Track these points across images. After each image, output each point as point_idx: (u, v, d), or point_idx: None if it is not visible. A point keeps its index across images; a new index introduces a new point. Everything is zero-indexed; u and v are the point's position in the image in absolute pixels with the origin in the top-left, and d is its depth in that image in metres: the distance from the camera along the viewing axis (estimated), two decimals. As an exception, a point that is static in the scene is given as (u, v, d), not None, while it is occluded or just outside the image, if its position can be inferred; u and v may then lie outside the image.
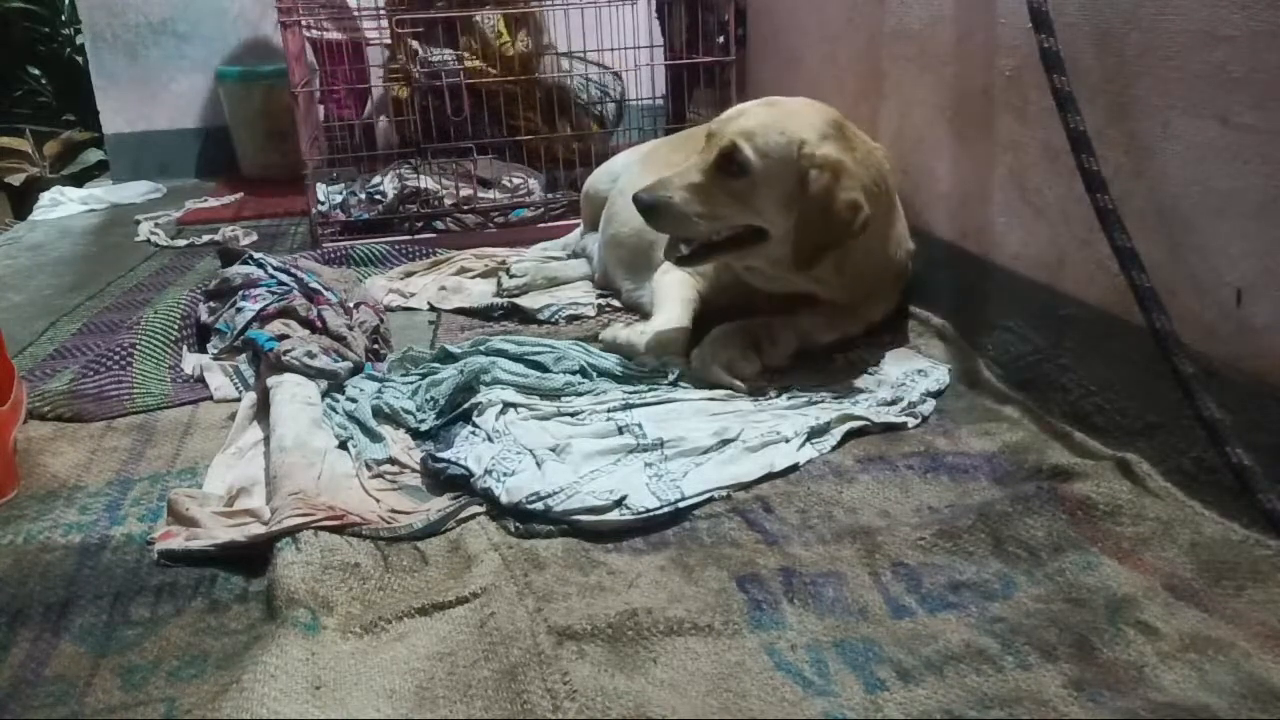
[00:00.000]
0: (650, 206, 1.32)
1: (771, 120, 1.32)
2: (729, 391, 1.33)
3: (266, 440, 1.22)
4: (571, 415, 1.26)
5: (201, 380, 1.45)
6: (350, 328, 1.50)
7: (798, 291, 1.42)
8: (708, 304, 1.50)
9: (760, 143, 1.30)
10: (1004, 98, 1.34)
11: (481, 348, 1.44)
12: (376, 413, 1.26)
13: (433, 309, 1.81)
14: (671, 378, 1.36)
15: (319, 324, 1.49)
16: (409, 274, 1.99)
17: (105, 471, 1.21)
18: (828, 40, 1.91)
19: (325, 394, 1.33)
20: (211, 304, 1.63)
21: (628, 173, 1.82)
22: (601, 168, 1.97)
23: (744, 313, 1.45)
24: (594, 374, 1.38)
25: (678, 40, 2.57)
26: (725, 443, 1.16)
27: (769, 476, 1.12)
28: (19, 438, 1.26)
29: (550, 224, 2.23)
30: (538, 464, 1.11)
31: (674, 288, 1.52)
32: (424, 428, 1.24)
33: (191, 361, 1.50)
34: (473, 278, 1.94)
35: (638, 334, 1.46)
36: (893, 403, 1.27)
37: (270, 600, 0.91)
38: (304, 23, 2.36)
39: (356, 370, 1.41)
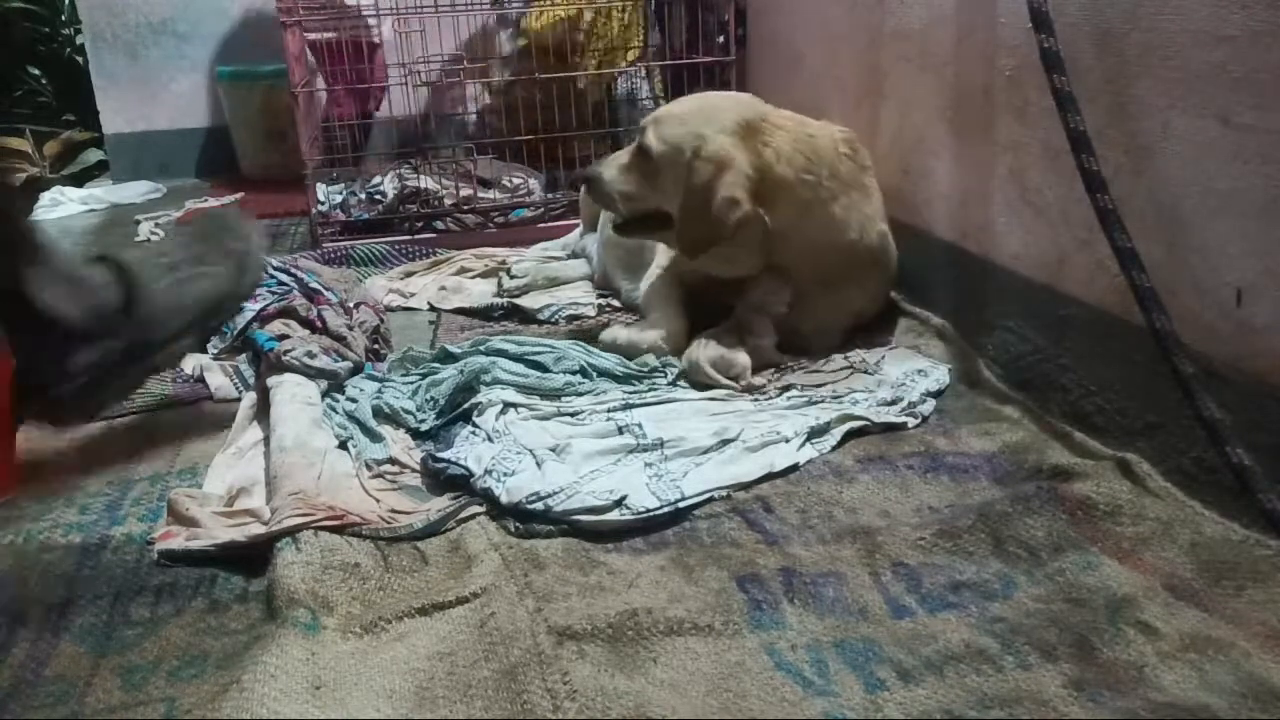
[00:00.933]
0: (586, 179, 1.48)
1: (682, 112, 1.42)
2: (728, 391, 1.33)
3: (267, 440, 1.22)
4: (571, 415, 1.27)
5: (201, 380, 1.45)
6: (350, 328, 1.50)
7: (744, 276, 1.47)
8: (691, 289, 1.53)
9: (664, 131, 1.39)
10: (1004, 98, 1.34)
11: (481, 348, 1.44)
12: (376, 413, 1.26)
13: (433, 309, 1.81)
14: (670, 377, 1.36)
15: (319, 324, 1.49)
16: (409, 274, 1.99)
17: (105, 471, 1.21)
18: (828, 40, 1.91)
19: (325, 394, 1.33)
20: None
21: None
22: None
23: (723, 296, 1.48)
24: (594, 374, 1.38)
25: (678, 40, 2.57)
26: (725, 443, 1.16)
27: (769, 476, 1.12)
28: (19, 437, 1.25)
29: (550, 224, 2.23)
30: (538, 464, 1.11)
31: (661, 288, 1.54)
32: (424, 428, 1.24)
33: (191, 361, 1.50)
34: (473, 278, 1.94)
35: (637, 334, 1.46)
36: (893, 403, 1.27)
37: (270, 600, 0.91)
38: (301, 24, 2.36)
39: (356, 370, 1.41)
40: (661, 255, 1.58)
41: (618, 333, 1.49)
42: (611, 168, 1.45)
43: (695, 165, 1.34)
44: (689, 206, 1.35)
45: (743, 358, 1.37)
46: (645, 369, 1.39)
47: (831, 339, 1.47)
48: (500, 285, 1.84)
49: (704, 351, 1.37)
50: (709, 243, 1.36)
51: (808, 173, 1.39)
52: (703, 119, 1.38)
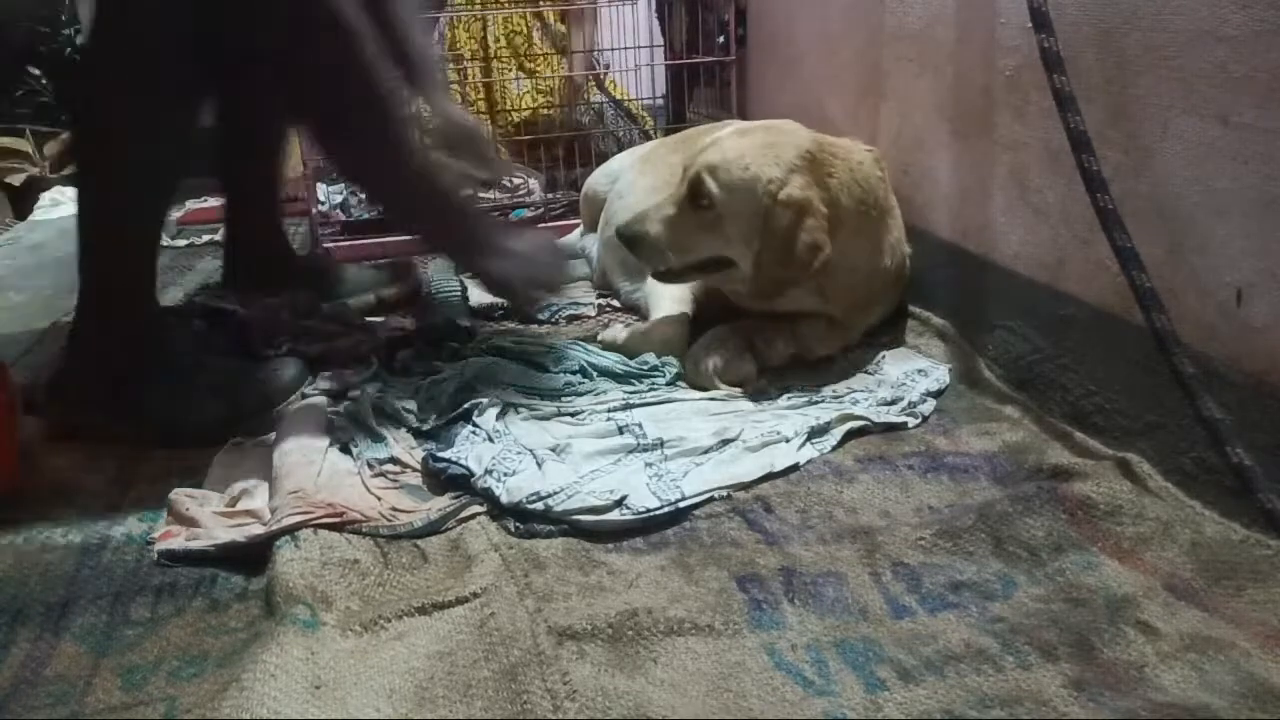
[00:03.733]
0: (630, 239, 1.36)
1: (737, 154, 1.31)
2: (729, 392, 1.33)
3: (269, 441, 1.22)
4: (572, 415, 1.27)
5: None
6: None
7: (782, 311, 1.42)
8: (701, 307, 1.50)
9: (724, 177, 1.29)
10: (1004, 98, 1.34)
11: (482, 347, 1.44)
12: (378, 412, 1.26)
13: (433, 309, 1.80)
14: (669, 376, 1.36)
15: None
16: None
17: (105, 471, 1.21)
18: (828, 40, 1.91)
19: (327, 394, 1.33)
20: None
21: (626, 174, 1.82)
22: (600, 169, 1.97)
23: (737, 317, 1.45)
24: (594, 373, 1.38)
25: (678, 40, 2.57)
26: (725, 443, 1.16)
27: (769, 476, 1.12)
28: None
29: (550, 224, 2.23)
30: (538, 464, 1.11)
31: (664, 288, 1.52)
32: (425, 427, 1.24)
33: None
34: (472, 278, 1.94)
35: (637, 334, 1.46)
36: (893, 402, 1.27)
37: (269, 597, 0.91)
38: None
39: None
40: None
41: (618, 332, 1.49)
42: (656, 223, 1.33)
43: (775, 211, 1.27)
44: (769, 253, 1.29)
45: (749, 368, 1.37)
46: (645, 368, 1.39)
47: (844, 349, 1.47)
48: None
49: (710, 360, 1.36)
50: (788, 286, 1.32)
51: (862, 203, 1.35)
52: (768, 159, 1.29)
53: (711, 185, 1.29)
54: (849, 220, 1.33)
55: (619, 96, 2.61)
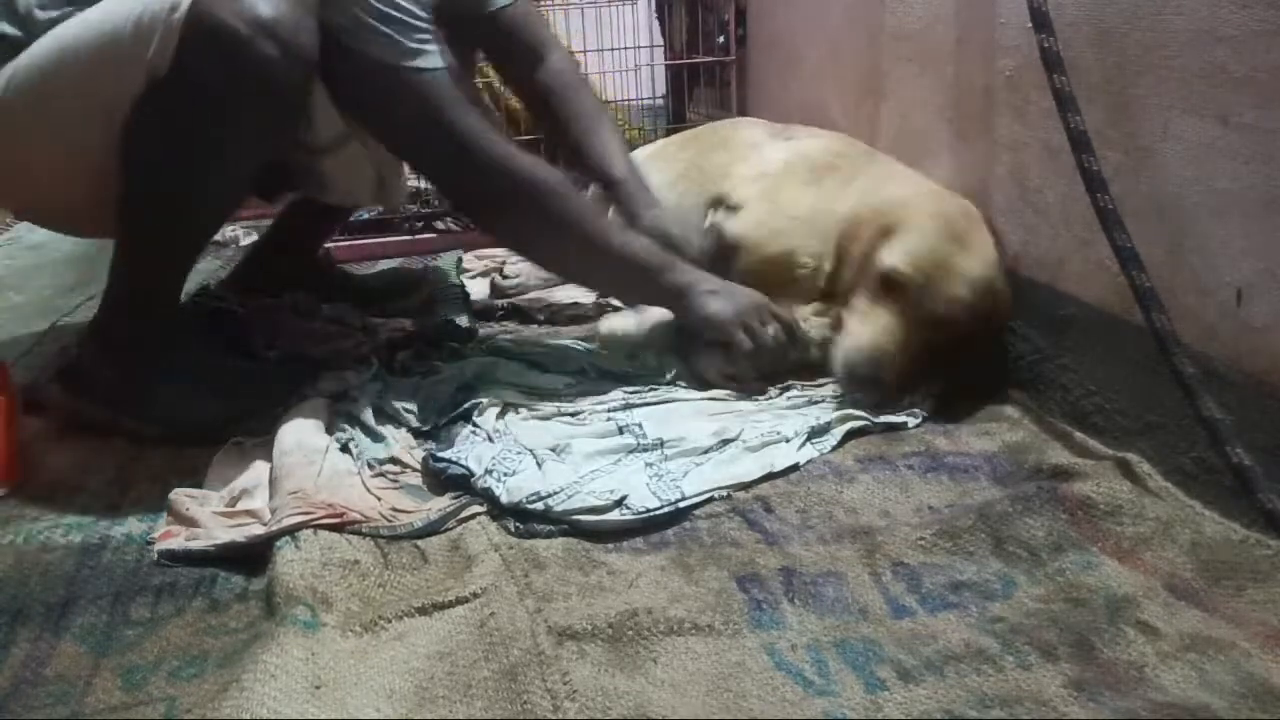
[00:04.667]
0: (869, 381, 1.24)
1: (983, 282, 1.25)
2: (728, 391, 1.33)
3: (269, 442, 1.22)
4: (572, 415, 1.27)
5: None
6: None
7: None
8: None
9: (979, 309, 1.25)
10: (1004, 98, 1.34)
11: (482, 347, 1.44)
12: (378, 412, 1.26)
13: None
14: (669, 375, 1.36)
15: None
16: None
17: (105, 471, 1.21)
18: (828, 40, 1.91)
19: (328, 394, 1.33)
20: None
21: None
22: None
23: None
24: (594, 374, 1.38)
25: (678, 40, 2.58)
26: (725, 443, 1.16)
27: (769, 476, 1.12)
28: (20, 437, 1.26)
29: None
30: (538, 464, 1.11)
31: None
32: (425, 427, 1.24)
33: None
34: (472, 278, 1.94)
35: (635, 325, 1.46)
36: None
37: (270, 597, 0.91)
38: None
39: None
40: None
41: (614, 324, 1.48)
42: (886, 349, 1.23)
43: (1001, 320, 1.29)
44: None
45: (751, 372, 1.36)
46: (645, 370, 1.39)
47: None
48: (493, 284, 1.84)
49: (713, 364, 1.35)
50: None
51: None
52: (1000, 282, 1.27)
53: (968, 317, 1.25)
54: None
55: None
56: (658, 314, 1.46)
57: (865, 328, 1.25)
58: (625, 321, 1.48)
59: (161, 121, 1.15)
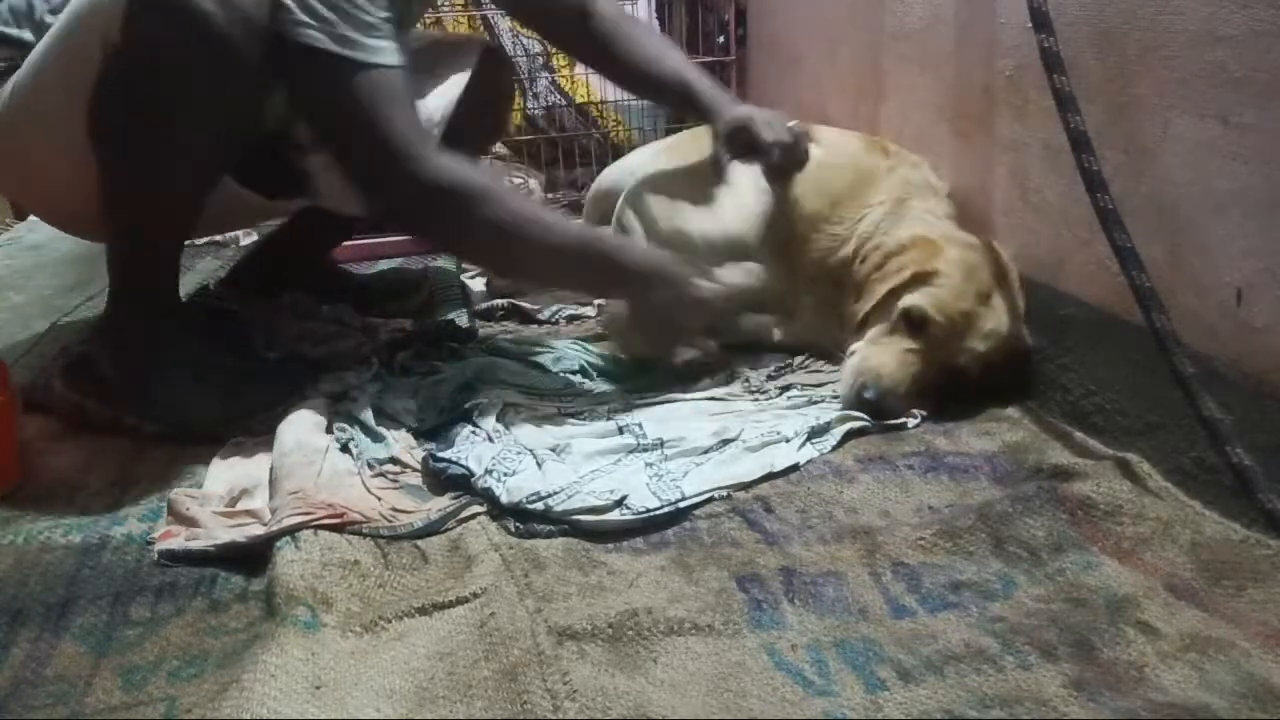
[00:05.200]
0: (875, 409, 1.25)
1: (1004, 338, 1.27)
2: (729, 391, 1.33)
3: (269, 441, 1.22)
4: (572, 415, 1.27)
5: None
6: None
7: None
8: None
9: (996, 361, 1.28)
10: (1004, 98, 1.34)
11: (481, 347, 1.44)
12: (378, 412, 1.26)
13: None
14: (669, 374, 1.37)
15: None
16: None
17: (105, 471, 1.21)
18: (828, 40, 1.91)
19: (328, 394, 1.33)
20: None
21: (649, 164, 1.81)
22: (615, 165, 1.96)
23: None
24: (594, 373, 1.39)
25: (678, 40, 2.57)
26: (725, 442, 1.16)
27: (769, 476, 1.12)
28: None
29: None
30: (538, 464, 1.11)
31: None
32: (425, 427, 1.24)
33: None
34: (472, 278, 1.94)
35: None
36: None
37: (270, 598, 0.91)
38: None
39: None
40: None
41: (616, 310, 1.48)
42: (893, 378, 1.25)
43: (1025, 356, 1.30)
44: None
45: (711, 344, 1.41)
46: (639, 368, 1.40)
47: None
48: (488, 283, 1.84)
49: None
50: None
51: None
52: (1015, 324, 1.28)
53: (984, 367, 1.27)
54: None
55: (582, 98, 2.59)
56: None
57: (884, 356, 1.27)
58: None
59: (118, 96, 1.14)
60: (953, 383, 1.28)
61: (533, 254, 1.28)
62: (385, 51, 1.19)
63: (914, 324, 1.26)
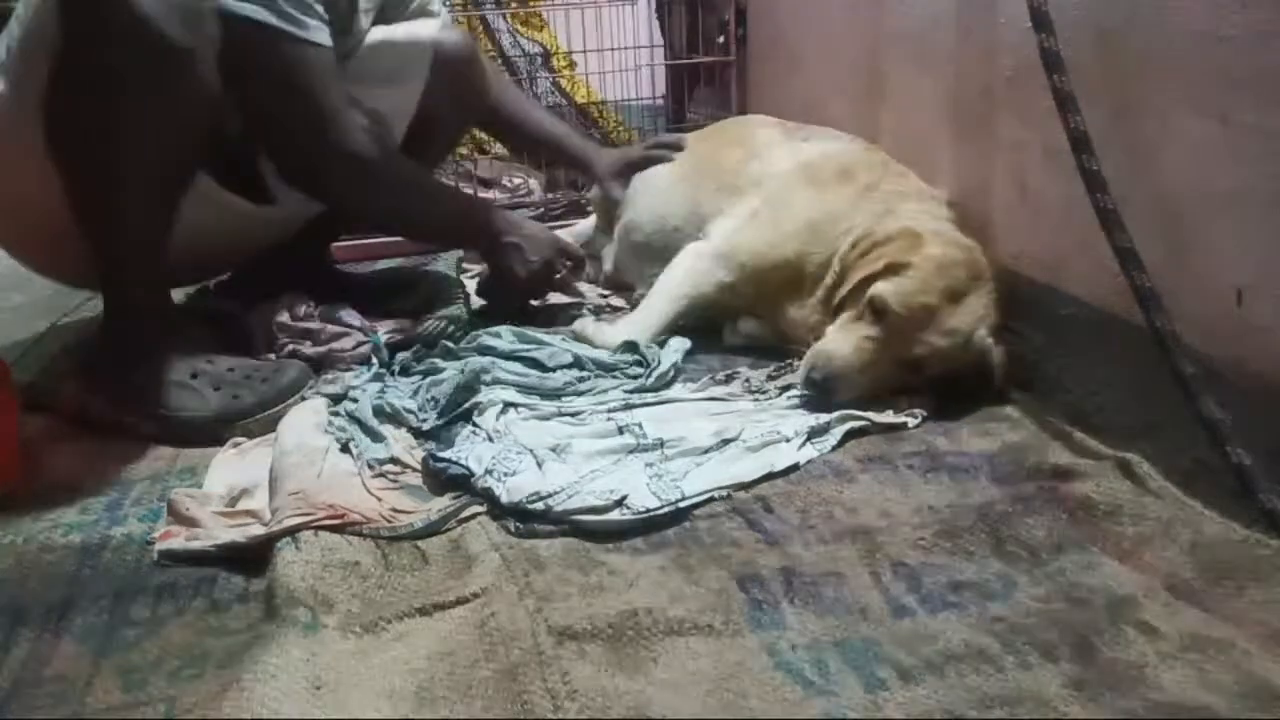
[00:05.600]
0: (820, 387, 1.26)
1: (964, 336, 1.26)
2: (730, 391, 1.33)
3: (269, 442, 1.22)
4: (572, 415, 1.27)
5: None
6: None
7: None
8: (738, 296, 1.51)
9: (952, 357, 1.27)
10: (1004, 98, 1.34)
11: (474, 346, 1.45)
12: (378, 412, 1.26)
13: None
14: (652, 368, 1.38)
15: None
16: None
17: (105, 471, 1.21)
18: (828, 40, 1.91)
19: (328, 395, 1.33)
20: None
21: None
22: None
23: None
24: (594, 370, 1.39)
25: (678, 40, 2.57)
26: (725, 442, 1.16)
27: (769, 476, 1.12)
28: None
29: (550, 224, 2.23)
30: (538, 464, 1.11)
31: (675, 284, 1.53)
32: (425, 427, 1.24)
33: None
34: (471, 278, 1.94)
35: (598, 333, 1.50)
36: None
37: (270, 599, 0.91)
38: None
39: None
40: (687, 258, 1.55)
41: (587, 326, 1.53)
42: (847, 361, 1.26)
43: (993, 367, 1.28)
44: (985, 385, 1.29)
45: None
46: (628, 362, 1.41)
47: None
48: (480, 283, 1.84)
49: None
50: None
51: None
52: (981, 325, 1.27)
53: (939, 363, 1.27)
54: None
55: (583, 98, 2.60)
56: (635, 326, 1.50)
57: (841, 341, 1.28)
58: (596, 324, 1.54)
59: (67, 99, 1.16)
60: (910, 377, 1.28)
61: (424, 215, 1.55)
62: (319, 31, 1.33)
63: (877, 312, 1.27)
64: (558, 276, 1.63)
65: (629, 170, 1.80)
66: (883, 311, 1.26)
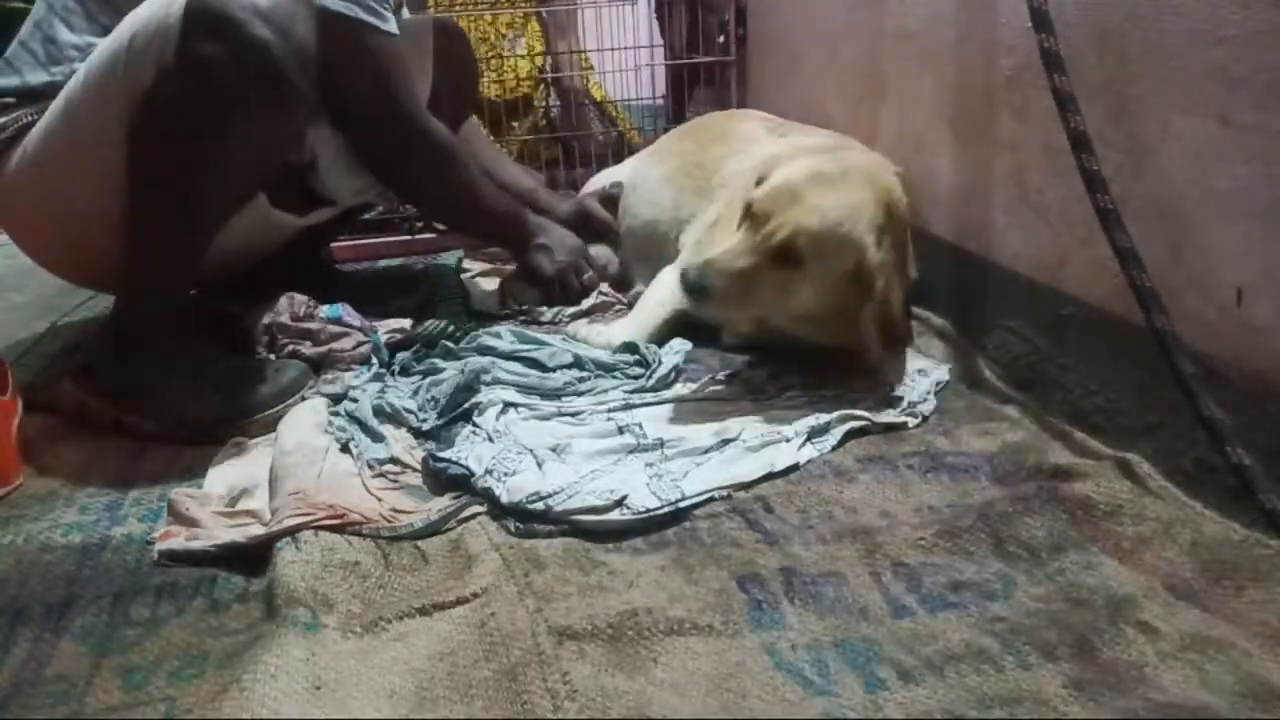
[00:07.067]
0: (696, 289, 1.26)
1: (833, 218, 1.25)
2: (729, 391, 1.33)
3: (269, 441, 1.22)
4: (572, 415, 1.27)
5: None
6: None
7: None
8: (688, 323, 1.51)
9: (820, 242, 1.25)
10: (1004, 98, 1.34)
11: (474, 346, 1.45)
12: (378, 412, 1.26)
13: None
14: (652, 369, 1.38)
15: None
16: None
17: (105, 471, 1.21)
18: (828, 40, 1.91)
19: (328, 395, 1.33)
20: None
21: (639, 166, 1.85)
22: (613, 169, 1.98)
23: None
24: (594, 369, 1.39)
25: (678, 40, 2.57)
26: (725, 442, 1.17)
27: (769, 476, 1.12)
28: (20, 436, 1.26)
29: (550, 224, 2.23)
30: (538, 464, 1.11)
31: (657, 300, 1.55)
32: (425, 427, 1.24)
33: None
34: (472, 278, 1.94)
35: (595, 334, 1.51)
36: (892, 402, 1.27)
37: (270, 599, 0.91)
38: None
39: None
40: (667, 274, 1.56)
41: (579, 329, 1.55)
42: (726, 277, 1.25)
43: (874, 283, 1.26)
44: (869, 317, 1.28)
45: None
46: (627, 362, 1.41)
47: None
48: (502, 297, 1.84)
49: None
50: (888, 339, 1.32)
51: (902, 243, 1.38)
52: (858, 226, 1.26)
53: (805, 249, 1.25)
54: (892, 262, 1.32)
55: (599, 98, 2.62)
56: (626, 329, 1.51)
57: (717, 248, 1.30)
58: (588, 327, 1.56)
59: (165, 116, 1.19)
60: (791, 285, 1.27)
61: (473, 209, 1.67)
62: (393, 23, 1.47)
63: (751, 215, 1.28)
64: (586, 276, 1.74)
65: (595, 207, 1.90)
66: (754, 213, 1.27)
